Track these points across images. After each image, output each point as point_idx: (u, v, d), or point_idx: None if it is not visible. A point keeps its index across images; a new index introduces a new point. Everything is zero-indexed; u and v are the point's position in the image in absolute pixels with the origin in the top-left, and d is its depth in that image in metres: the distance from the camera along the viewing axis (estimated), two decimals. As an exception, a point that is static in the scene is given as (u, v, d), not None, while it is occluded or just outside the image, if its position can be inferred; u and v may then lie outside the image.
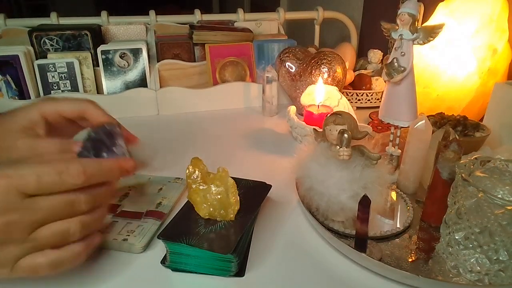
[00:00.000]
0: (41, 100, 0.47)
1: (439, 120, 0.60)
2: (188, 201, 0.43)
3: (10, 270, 0.32)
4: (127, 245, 0.41)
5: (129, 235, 0.42)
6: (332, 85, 0.73)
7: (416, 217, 0.47)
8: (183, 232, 0.39)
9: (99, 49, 0.78)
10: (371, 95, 0.84)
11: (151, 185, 0.53)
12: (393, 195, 0.51)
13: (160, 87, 0.82)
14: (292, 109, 0.70)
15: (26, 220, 0.31)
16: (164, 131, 0.75)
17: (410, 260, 0.40)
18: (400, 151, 0.54)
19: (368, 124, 0.72)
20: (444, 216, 0.40)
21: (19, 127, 0.44)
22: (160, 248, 0.42)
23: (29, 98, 0.77)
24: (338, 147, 0.40)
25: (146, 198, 0.49)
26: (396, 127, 0.54)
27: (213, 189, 0.41)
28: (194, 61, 0.88)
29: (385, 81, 0.52)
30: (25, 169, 0.32)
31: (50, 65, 0.77)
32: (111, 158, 0.39)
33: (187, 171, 0.42)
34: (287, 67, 0.79)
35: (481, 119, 0.64)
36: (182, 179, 0.54)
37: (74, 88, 0.79)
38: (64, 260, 0.33)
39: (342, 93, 0.71)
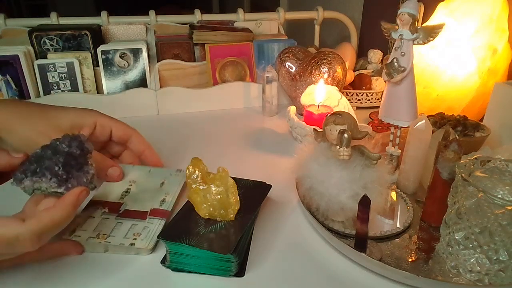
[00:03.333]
0: (98, 112, 0.49)
1: (439, 120, 0.60)
2: (188, 201, 0.43)
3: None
4: (134, 250, 0.41)
5: (135, 239, 0.41)
6: (332, 85, 0.73)
7: (416, 217, 0.47)
8: (183, 232, 0.39)
9: (99, 49, 0.78)
10: (371, 95, 0.84)
11: (152, 178, 0.51)
12: (393, 195, 0.51)
13: (160, 87, 0.82)
14: (292, 109, 0.70)
15: None
16: (164, 131, 0.75)
17: (410, 260, 0.40)
18: (400, 151, 0.54)
19: (368, 124, 0.72)
20: (444, 216, 0.40)
21: (69, 121, 0.45)
22: (160, 248, 0.42)
23: (29, 98, 0.77)
24: (338, 147, 0.40)
25: (148, 195, 0.48)
26: (396, 127, 0.54)
27: (213, 189, 0.41)
28: (194, 61, 0.88)
29: (385, 81, 0.52)
30: None
31: (50, 65, 0.77)
32: (63, 200, 0.35)
33: (187, 171, 0.42)
34: (287, 67, 0.79)
35: (481, 119, 0.64)
36: (181, 170, 0.53)
37: (74, 88, 0.79)
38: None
39: (342, 93, 0.71)
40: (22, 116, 0.44)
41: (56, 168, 0.36)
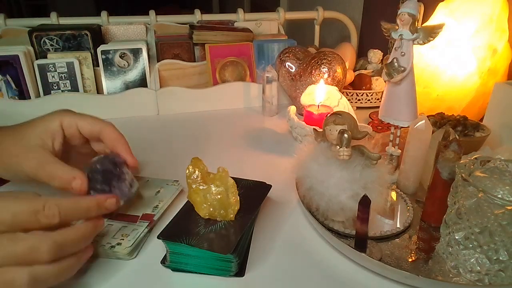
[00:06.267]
0: (62, 111, 0.47)
1: (439, 120, 0.60)
2: (188, 201, 0.43)
3: None
4: (115, 254, 0.40)
5: (123, 239, 0.41)
6: (332, 85, 0.73)
7: (416, 217, 0.47)
8: (183, 232, 0.39)
9: (99, 49, 0.78)
10: (371, 95, 0.84)
11: (149, 187, 0.51)
12: (393, 195, 0.51)
13: (160, 87, 0.82)
14: (292, 109, 0.70)
15: None
16: (164, 131, 0.75)
17: (410, 260, 0.40)
18: (400, 151, 0.54)
19: (368, 124, 0.72)
20: (444, 216, 0.40)
21: (37, 137, 0.44)
22: (160, 248, 0.42)
23: (29, 98, 0.77)
24: (338, 147, 0.40)
25: (143, 201, 0.48)
26: (396, 127, 0.54)
27: (213, 189, 0.41)
28: (194, 61, 0.88)
29: (385, 81, 0.52)
30: (0, 205, 0.32)
31: (50, 65, 0.77)
32: (91, 196, 0.39)
33: (187, 171, 0.42)
34: (287, 67, 0.79)
35: (481, 119, 0.64)
36: (178, 182, 0.53)
37: (74, 88, 0.79)
38: None
39: (342, 93, 0.71)
40: None
41: (98, 186, 0.41)
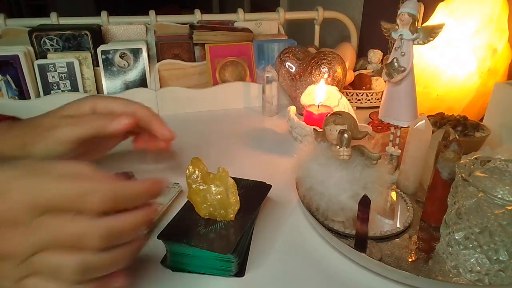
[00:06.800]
0: (94, 96, 0.49)
1: (439, 120, 0.60)
2: (188, 201, 0.43)
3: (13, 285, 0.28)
4: None
5: None
6: (332, 85, 0.73)
7: (416, 217, 0.47)
8: (183, 232, 0.39)
9: (99, 49, 0.78)
10: (371, 95, 0.84)
11: None
12: (393, 195, 0.51)
13: (160, 87, 0.82)
14: (292, 109, 0.70)
15: (29, 240, 0.27)
16: (164, 131, 0.75)
17: (410, 260, 0.40)
18: (400, 151, 0.54)
19: (368, 124, 0.72)
20: (444, 216, 0.40)
21: (66, 113, 0.45)
22: (160, 248, 0.42)
23: (29, 98, 0.77)
24: (338, 147, 0.40)
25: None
26: (396, 127, 0.54)
27: (213, 189, 0.41)
28: (194, 61, 0.88)
29: (385, 81, 0.52)
30: (46, 183, 0.28)
31: (50, 65, 0.77)
32: (141, 181, 0.33)
33: (187, 171, 0.42)
34: (287, 67, 0.79)
35: (481, 119, 0.64)
36: (179, 184, 0.52)
37: (74, 88, 0.79)
38: None
39: (342, 93, 0.71)
40: (30, 128, 0.45)
41: None
